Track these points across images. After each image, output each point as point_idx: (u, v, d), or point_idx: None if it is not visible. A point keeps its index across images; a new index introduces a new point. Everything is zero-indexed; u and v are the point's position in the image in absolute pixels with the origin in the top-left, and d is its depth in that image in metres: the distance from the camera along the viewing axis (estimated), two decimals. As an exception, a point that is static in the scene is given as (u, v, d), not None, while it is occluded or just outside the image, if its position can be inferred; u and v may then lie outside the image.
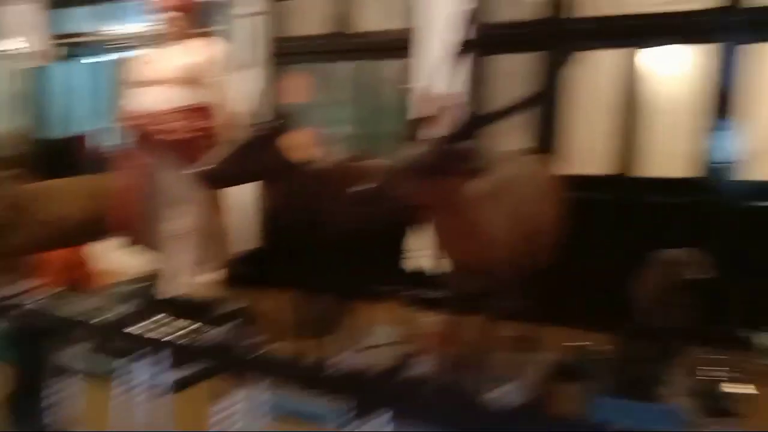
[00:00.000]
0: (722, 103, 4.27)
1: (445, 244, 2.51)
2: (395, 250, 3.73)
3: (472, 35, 2.67)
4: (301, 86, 5.81)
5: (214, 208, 4.00)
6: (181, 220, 3.80)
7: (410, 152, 2.30)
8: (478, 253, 2.50)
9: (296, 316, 3.22)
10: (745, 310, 4.05)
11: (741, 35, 4.19)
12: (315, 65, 5.67)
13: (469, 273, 2.66)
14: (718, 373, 3.29)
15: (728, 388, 3.23)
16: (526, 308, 3.77)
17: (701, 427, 2.73)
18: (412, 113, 2.63)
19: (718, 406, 3.19)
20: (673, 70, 4.54)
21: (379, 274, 3.99)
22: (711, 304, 2.70)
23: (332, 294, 3.19)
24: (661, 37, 4.45)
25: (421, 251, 4.67)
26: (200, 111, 3.82)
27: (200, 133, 3.78)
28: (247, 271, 5.06)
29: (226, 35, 5.48)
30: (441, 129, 2.51)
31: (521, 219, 2.70)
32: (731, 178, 4.27)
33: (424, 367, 3.58)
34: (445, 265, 2.79)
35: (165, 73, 3.78)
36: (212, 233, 3.93)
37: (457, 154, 2.29)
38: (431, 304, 4.17)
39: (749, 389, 3.24)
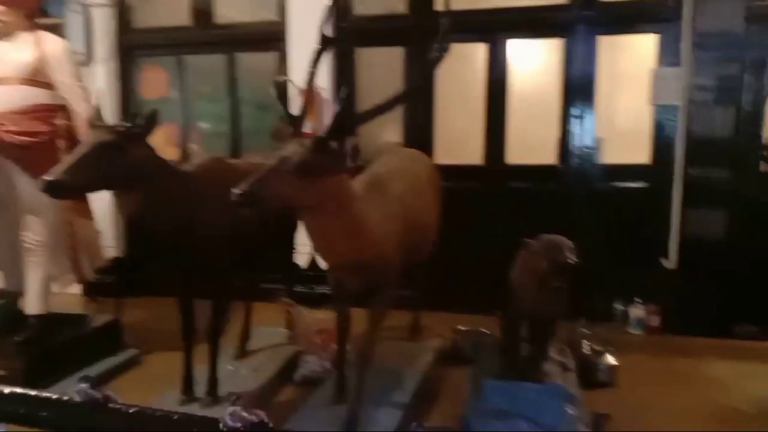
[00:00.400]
0: (582, 93, 4.53)
1: (327, 244, 2.42)
2: (279, 248, 3.63)
3: (340, 29, 2.60)
4: (157, 81, 5.47)
5: (83, 214, 3.66)
6: (34, 231, 3.43)
7: (288, 151, 2.19)
8: (362, 251, 2.43)
9: (180, 324, 3.01)
10: (614, 285, 4.36)
11: (598, 28, 4.47)
12: (175, 58, 5.35)
13: (353, 271, 2.59)
14: (594, 348, 3.50)
15: (603, 360, 3.45)
16: (412, 298, 3.81)
17: (582, 400, 2.86)
18: (287, 109, 2.50)
19: (596, 378, 3.40)
20: (535, 62, 4.75)
21: (262, 274, 3.87)
22: (583, 281, 2.83)
23: (212, 298, 3.01)
24: (523, 30, 4.65)
25: (308, 248, 4.58)
26: (46, 112, 3.44)
27: (46, 137, 3.41)
28: (113, 281, 4.73)
29: (71, 28, 5.05)
30: (317, 125, 2.44)
31: (404, 212, 2.67)
32: (594, 163, 4.55)
33: (312, 365, 3.52)
34: (325, 264, 2.71)
35: (3, 71, 3.38)
36: (77, 242, 3.59)
37: (336, 151, 2.20)
38: (319, 301, 4.12)
39: (616, 360, 3.47)
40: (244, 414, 0.82)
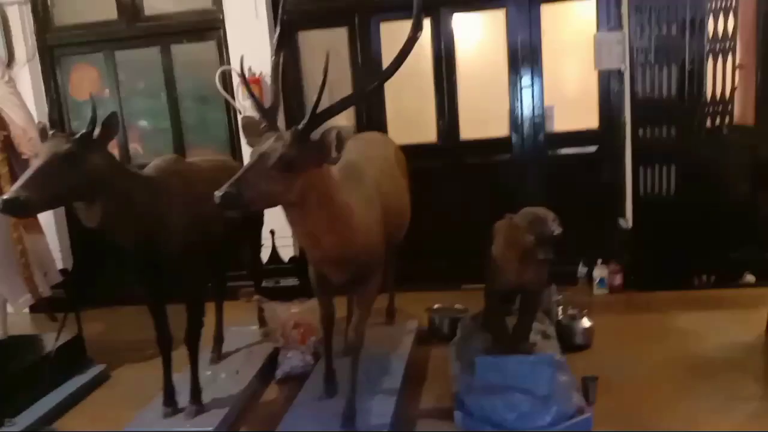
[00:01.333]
0: (528, 62, 4.56)
1: (314, 239, 2.33)
2: (248, 245, 3.54)
3: (283, 12, 2.50)
4: (87, 80, 5.16)
5: (32, 229, 3.43)
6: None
7: (267, 147, 2.09)
8: (349, 242, 2.36)
9: (156, 333, 2.87)
10: (576, 249, 4.44)
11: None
12: (104, 55, 5.05)
13: (340, 263, 2.52)
14: (568, 312, 3.57)
15: (579, 323, 3.52)
16: (385, 281, 3.77)
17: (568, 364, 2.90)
18: (257, 101, 2.38)
19: (573, 342, 3.48)
20: (481, 35, 4.74)
21: (230, 272, 3.75)
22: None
23: (187, 302, 2.88)
24: (466, 2, 4.62)
25: (280, 240, 4.49)
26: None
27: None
28: (68, 296, 4.48)
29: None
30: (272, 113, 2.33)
31: (382, 198, 2.61)
32: (546, 131, 4.61)
33: (294, 360, 3.44)
34: (309, 257, 2.62)
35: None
36: (29, 259, 3.37)
37: (318, 143, 2.12)
38: (285, 294, 4.03)
39: (589, 322, 3.56)
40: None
